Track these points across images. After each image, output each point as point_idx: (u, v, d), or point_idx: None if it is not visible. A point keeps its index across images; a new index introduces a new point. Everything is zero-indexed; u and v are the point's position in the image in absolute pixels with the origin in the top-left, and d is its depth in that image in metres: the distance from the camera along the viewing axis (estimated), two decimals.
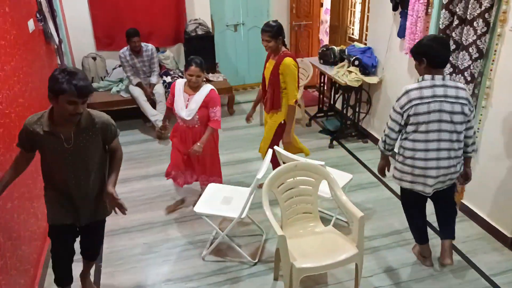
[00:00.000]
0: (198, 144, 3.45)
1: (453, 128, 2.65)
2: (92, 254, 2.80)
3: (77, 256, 2.69)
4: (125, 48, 5.26)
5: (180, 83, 3.54)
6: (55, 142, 2.27)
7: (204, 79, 3.55)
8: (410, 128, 2.70)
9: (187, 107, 3.44)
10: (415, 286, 2.97)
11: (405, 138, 2.75)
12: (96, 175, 2.47)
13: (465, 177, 2.95)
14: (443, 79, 2.64)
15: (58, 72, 2.14)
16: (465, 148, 2.80)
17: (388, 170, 3.06)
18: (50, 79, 2.16)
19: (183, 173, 3.74)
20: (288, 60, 3.48)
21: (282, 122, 3.72)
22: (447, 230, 3.04)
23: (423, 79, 2.65)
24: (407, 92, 2.66)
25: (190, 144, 3.55)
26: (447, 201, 3.03)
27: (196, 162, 3.66)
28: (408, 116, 2.66)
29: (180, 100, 3.47)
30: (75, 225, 2.54)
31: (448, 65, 3.62)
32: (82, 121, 2.28)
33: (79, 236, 2.68)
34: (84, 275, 2.88)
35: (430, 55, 2.61)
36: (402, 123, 2.72)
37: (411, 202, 3.03)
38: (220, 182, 3.77)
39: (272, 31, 3.46)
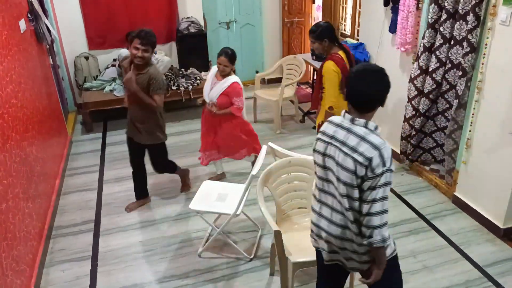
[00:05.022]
0: (216, 110, 3.76)
1: (342, 188, 1.89)
2: (157, 169, 3.82)
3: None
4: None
5: (213, 70, 3.88)
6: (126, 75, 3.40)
7: (232, 71, 3.84)
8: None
9: (212, 89, 3.78)
10: (409, 278, 3.00)
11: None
12: (142, 110, 3.45)
13: (366, 274, 2.04)
14: (352, 121, 1.89)
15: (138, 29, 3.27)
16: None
17: None
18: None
19: (209, 152, 4.03)
20: (329, 64, 3.33)
21: (320, 123, 3.60)
22: None
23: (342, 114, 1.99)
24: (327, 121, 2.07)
25: (211, 129, 3.91)
26: None
27: (221, 143, 3.97)
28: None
29: (208, 83, 3.85)
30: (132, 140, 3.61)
31: (434, 60, 3.65)
32: (139, 68, 3.30)
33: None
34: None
35: (348, 87, 1.94)
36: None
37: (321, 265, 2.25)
38: (248, 153, 4.09)
39: (316, 32, 3.40)
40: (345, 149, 1.87)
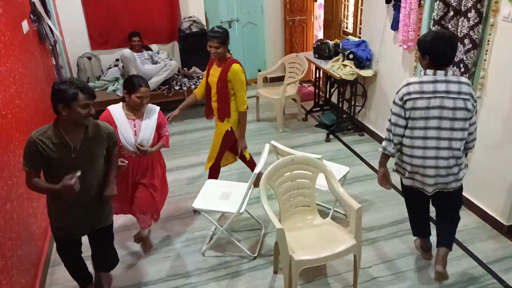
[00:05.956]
0: (150, 149, 3.01)
1: (455, 125, 2.51)
2: (109, 263, 2.91)
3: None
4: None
5: (117, 110, 3.01)
6: (64, 151, 2.30)
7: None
8: (408, 123, 2.58)
9: (136, 135, 3.01)
10: (413, 275, 3.00)
11: (404, 135, 2.63)
12: (99, 181, 2.54)
13: None
14: (445, 74, 2.49)
15: (59, 84, 2.23)
16: (465, 144, 2.64)
17: (389, 182, 2.86)
18: (55, 92, 2.22)
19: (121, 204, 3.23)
20: (236, 67, 3.38)
21: (229, 129, 3.58)
22: (444, 238, 2.82)
23: (424, 74, 2.53)
24: (407, 84, 2.55)
25: (141, 175, 3.15)
26: (450, 208, 2.84)
27: (142, 190, 3.14)
28: (406, 110, 2.54)
29: (125, 129, 2.98)
30: (80, 236, 2.65)
31: None
32: (90, 129, 2.39)
33: (91, 249, 2.80)
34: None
35: (434, 54, 2.48)
36: (405, 115, 2.57)
37: (413, 198, 2.91)
38: (156, 220, 3.32)
39: (222, 37, 3.32)
40: (451, 95, 2.48)
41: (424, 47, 2.51)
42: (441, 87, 2.48)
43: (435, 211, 2.95)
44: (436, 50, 2.47)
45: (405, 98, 2.53)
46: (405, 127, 2.61)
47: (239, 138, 3.63)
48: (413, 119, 2.55)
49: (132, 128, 3.00)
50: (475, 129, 2.64)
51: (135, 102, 2.95)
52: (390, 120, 2.64)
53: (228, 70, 3.37)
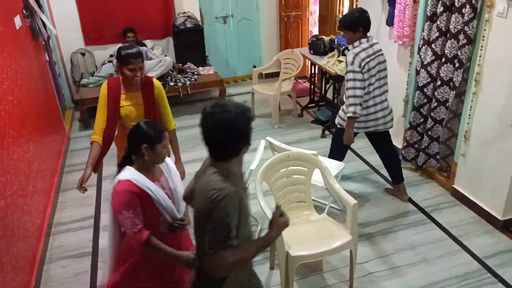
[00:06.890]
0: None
1: (387, 75, 3.34)
2: None
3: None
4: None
5: (138, 176, 2.06)
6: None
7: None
8: (365, 83, 3.23)
9: (172, 198, 2.18)
10: (408, 270, 3.01)
11: (366, 93, 3.26)
12: None
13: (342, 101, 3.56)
14: (372, 39, 3.26)
15: (220, 110, 1.60)
16: None
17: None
18: (232, 123, 1.58)
19: None
20: (157, 81, 2.90)
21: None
22: (400, 176, 3.73)
23: (360, 43, 3.20)
24: (356, 55, 3.16)
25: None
26: (390, 144, 3.67)
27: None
28: (365, 73, 3.17)
29: (163, 197, 2.10)
30: None
31: (431, 53, 3.63)
32: None
33: None
34: None
35: (367, 25, 3.21)
36: (365, 79, 3.21)
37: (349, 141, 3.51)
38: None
39: (143, 54, 2.83)
40: (378, 53, 3.25)
41: (358, 22, 3.18)
42: (374, 48, 3.23)
43: (379, 154, 3.73)
44: (367, 22, 3.22)
45: (362, 64, 3.15)
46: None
47: (177, 161, 3.01)
48: (370, 77, 3.22)
49: (164, 192, 2.14)
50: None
51: (162, 152, 2.12)
52: (356, 88, 3.19)
53: (153, 87, 2.85)
